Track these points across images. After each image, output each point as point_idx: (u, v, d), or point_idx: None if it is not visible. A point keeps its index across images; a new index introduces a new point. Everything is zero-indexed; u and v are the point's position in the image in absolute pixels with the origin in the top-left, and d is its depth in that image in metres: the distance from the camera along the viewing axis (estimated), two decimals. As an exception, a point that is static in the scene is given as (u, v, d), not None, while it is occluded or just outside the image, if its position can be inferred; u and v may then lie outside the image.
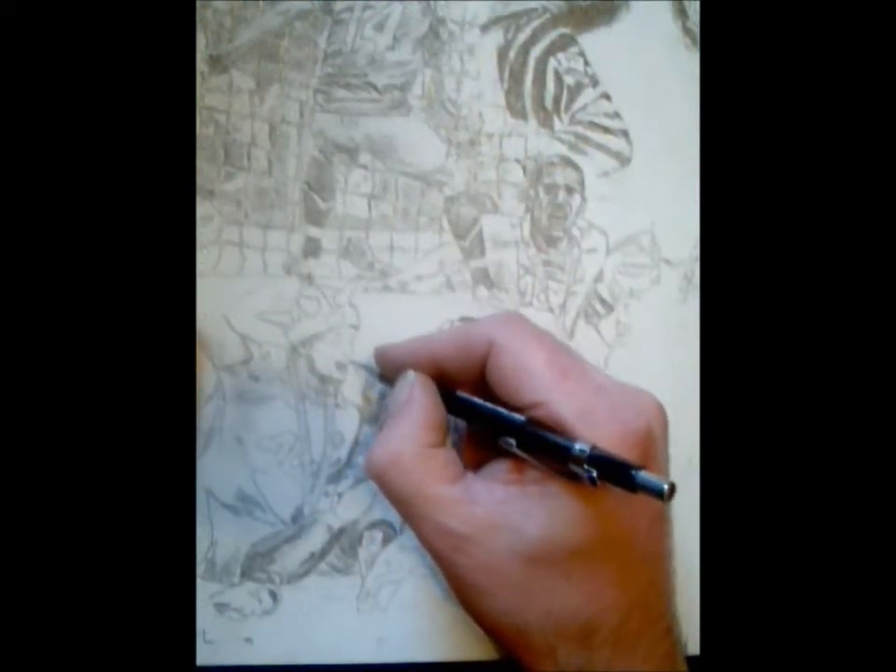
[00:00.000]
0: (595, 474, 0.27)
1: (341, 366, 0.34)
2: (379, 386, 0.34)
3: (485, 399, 0.31)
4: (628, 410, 0.29)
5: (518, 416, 0.30)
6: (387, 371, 0.34)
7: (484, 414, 0.31)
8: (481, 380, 0.31)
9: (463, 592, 0.30)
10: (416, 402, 0.31)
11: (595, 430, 0.28)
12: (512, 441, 0.30)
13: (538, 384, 0.29)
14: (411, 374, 0.32)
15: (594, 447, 0.27)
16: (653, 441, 0.29)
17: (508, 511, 0.29)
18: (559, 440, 0.28)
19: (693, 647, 0.33)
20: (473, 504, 0.29)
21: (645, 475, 0.26)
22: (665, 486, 0.26)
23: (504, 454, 0.31)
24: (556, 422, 0.29)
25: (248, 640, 0.33)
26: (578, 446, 0.27)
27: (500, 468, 0.31)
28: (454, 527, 0.29)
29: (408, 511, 0.30)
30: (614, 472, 0.27)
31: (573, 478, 0.28)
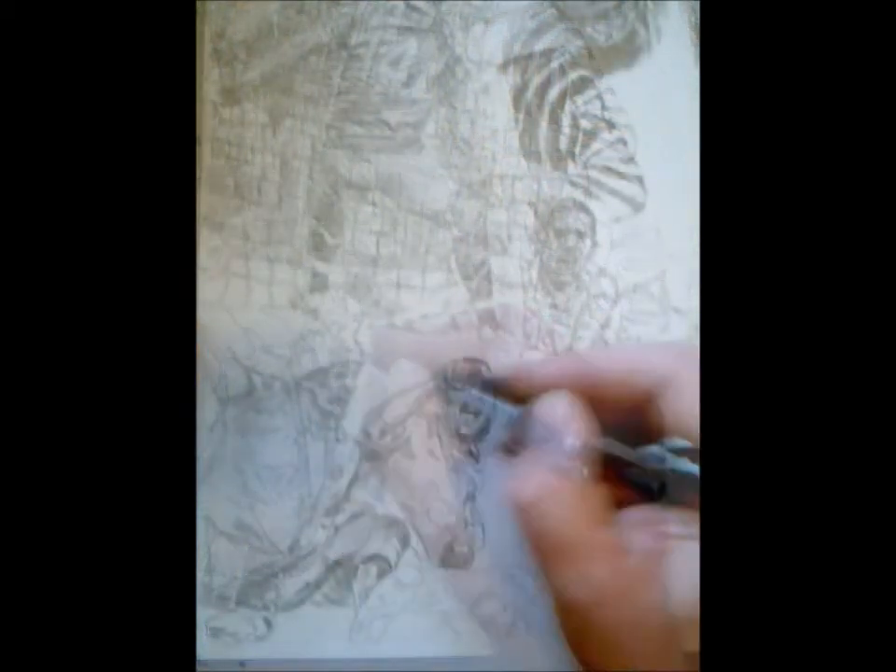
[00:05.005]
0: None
1: (342, 401, 0.34)
2: (509, 410, 0.32)
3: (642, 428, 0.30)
4: None
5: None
6: (530, 389, 0.31)
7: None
8: (630, 406, 0.29)
9: (592, 650, 0.27)
10: (573, 429, 0.29)
11: None
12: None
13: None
14: (565, 396, 0.29)
15: None
16: None
17: (659, 565, 0.27)
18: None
19: (693, 644, 0.33)
20: (627, 554, 0.27)
21: None
22: None
23: (634, 501, 0.29)
24: None
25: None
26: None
27: (642, 515, 0.29)
28: (603, 578, 0.27)
29: (552, 550, 0.28)
30: None
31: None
